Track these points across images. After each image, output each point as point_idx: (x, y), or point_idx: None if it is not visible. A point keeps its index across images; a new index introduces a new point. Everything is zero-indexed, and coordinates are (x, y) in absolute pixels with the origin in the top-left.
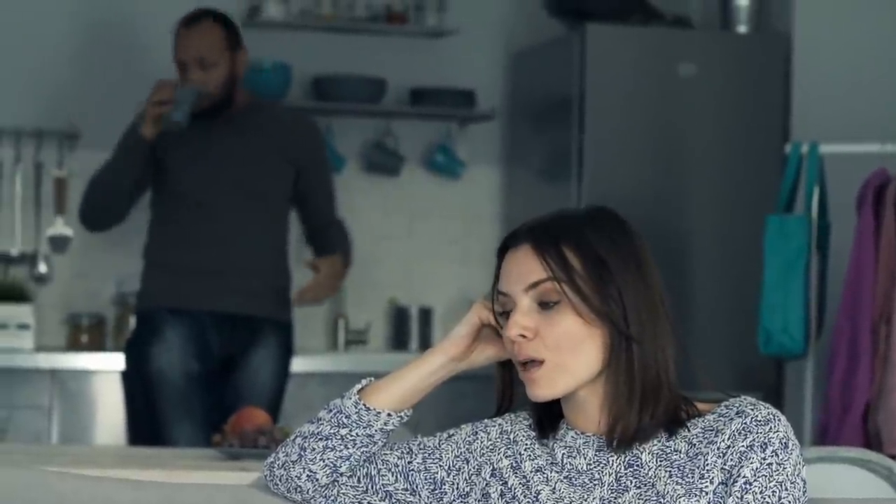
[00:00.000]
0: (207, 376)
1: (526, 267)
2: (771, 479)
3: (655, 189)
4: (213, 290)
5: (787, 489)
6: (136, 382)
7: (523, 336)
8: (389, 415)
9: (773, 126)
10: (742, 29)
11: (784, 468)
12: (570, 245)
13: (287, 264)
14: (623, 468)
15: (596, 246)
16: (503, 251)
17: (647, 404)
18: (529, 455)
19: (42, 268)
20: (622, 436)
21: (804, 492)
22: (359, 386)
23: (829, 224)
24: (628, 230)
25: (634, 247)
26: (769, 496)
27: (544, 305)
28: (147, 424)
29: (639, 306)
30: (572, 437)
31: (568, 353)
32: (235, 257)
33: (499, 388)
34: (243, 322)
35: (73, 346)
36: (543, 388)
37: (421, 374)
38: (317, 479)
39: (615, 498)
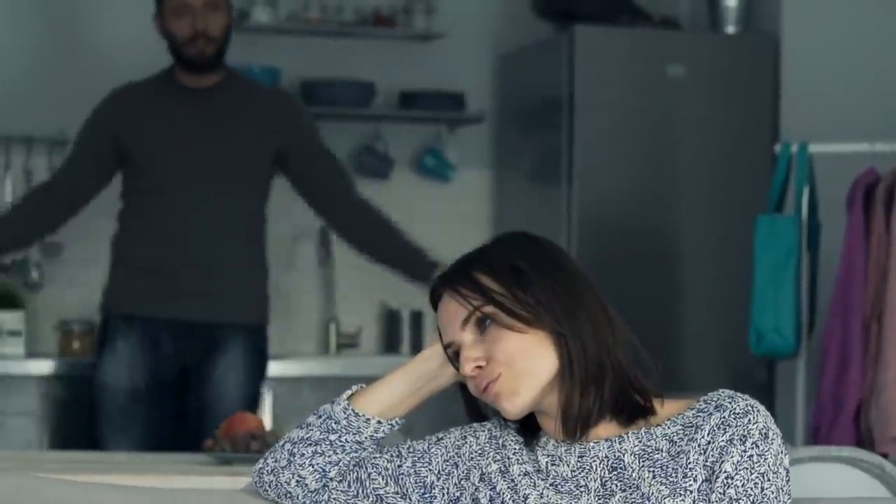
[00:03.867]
0: (161, 389)
1: (452, 310)
2: (752, 471)
3: (645, 190)
4: (170, 294)
5: (769, 479)
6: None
7: (479, 367)
8: (379, 422)
9: (762, 126)
10: (730, 30)
11: (765, 459)
12: (479, 269)
13: (263, 261)
14: (607, 472)
15: (504, 258)
16: (435, 308)
17: (590, 388)
18: (518, 459)
19: (34, 274)
20: (573, 421)
21: (787, 480)
22: (349, 392)
23: (820, 223)
24: (537, 239)
25: (546, 250)
26: (751, 489)
27: (482, 332)
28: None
29: (566, 302)
30: (553, 444)
31: (521, 361)
32: (198, 256)
33: (466, 406)
34: (203, 329)
35: (65, 352)
36: (509, 398)
37: (408, 380)
38: (306, 485)
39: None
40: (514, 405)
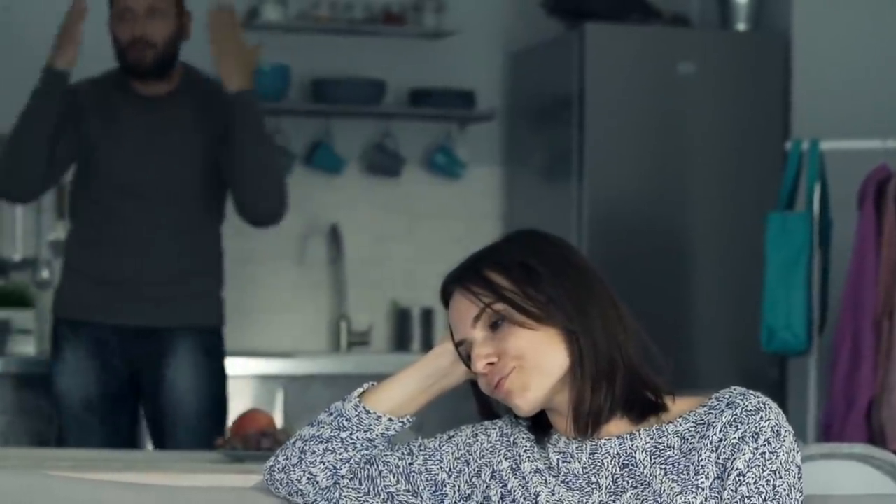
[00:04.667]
0: (114, 397)
1: (463, 308)
2: (764, 468)
3: (656, 187)
4: (115, 300)
5: (781, 477)
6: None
7: (490, 364)
8: (391, 420)
9: (773, 123)
10: (741, 27)
11: (777, 456)
12: (490, 267)
13: (217, 266)
14: (618, 469)
15: (515, 255)
16: (446, 307)
17: (601, 384)
18: (529, 457)
19: (44, 273)
20: (584, 418)
21: (799, 478)
22: (360, 389)
23: (831, 221)
24: (547, 237)
25: (556, 247)
26: (763, 486)
27: (493, 329)
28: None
29: (577, 299)
30: (564, 442)
31: (532, 357)
32: (142, 264)
33: (478, 404)
34: (149, 334)
35: None
36: (520, 394)
37: (419, 378)
38: (317, 482)
39: (613, 501)
40: (526, 401)
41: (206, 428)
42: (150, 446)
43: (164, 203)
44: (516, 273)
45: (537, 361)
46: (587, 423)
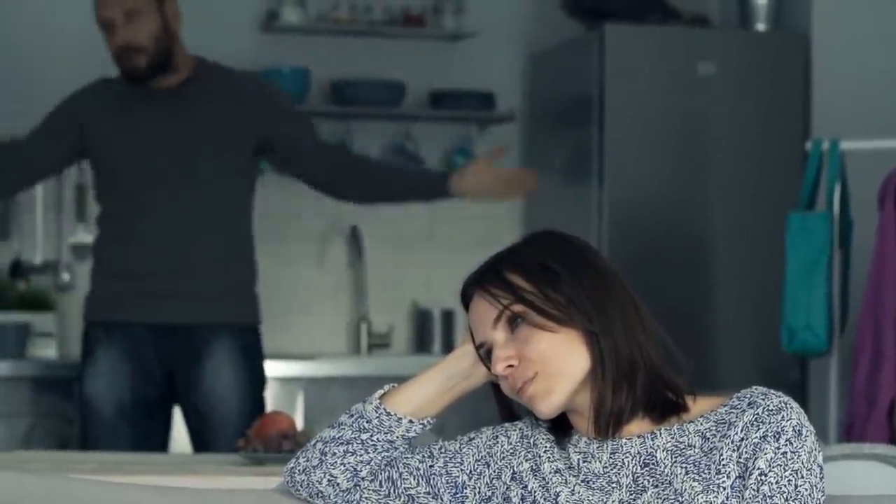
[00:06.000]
0: (149, 402)
1: (483, 309)
2: (786, 468)
3: (676, 188)
4: (147, 298)
5: (803, 476)
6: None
7: (510, 366)
8: (411, 421)
9: (793, 123)
10: (761, 27)
11: (799, 456)
12: (509, 268)
13: (250, 257)
14: (639, 468)
15: (534, 257)
16: (467, 310)
17: (622, 385)
18: (549, 457)
19: (65, 276)
20: (605, 418)
21: (821, 477)
22: (381, 391)
23: (852, 220)
24: (566, 238)
25: (576, 248)
26: (785, 486)
27: (513, 331)
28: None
29: (597, 300)
30: (586, 441)
31: (554, 360)
32: (175, 257)
33: (499, 406)
34: (185, 332)
35: None
36: (543, 399)
37: (440, 379)
38: (338, 484)
39: (634, 499)
40: (549, 405)
41: (245, 430)
42: (188, 448)
43: (189, 189)
44: (536, 274)
45: (559, 365)
46: (608, 424)
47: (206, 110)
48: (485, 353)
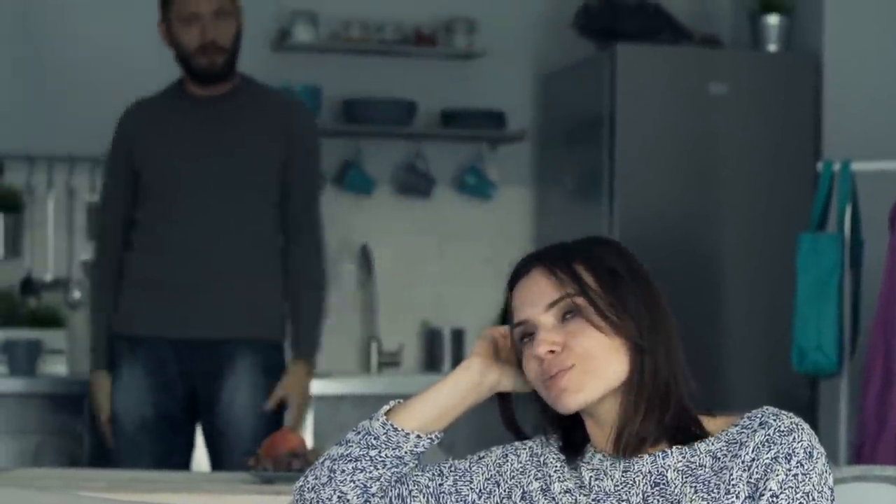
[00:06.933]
0: (172, 418)
1: (541, 288)
2: (797, 490)
3: (687, 208)
4: (171, 311)
5: (814, 499)
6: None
7: (552, 352)
8: (419, 437)
9: (804, 144)
10: (772, 48)
11: (810, 478)
12: (580, 261)
13: (275, 273)
14: (650, 487)
15: (606, 259)
16: (511, 286)
17: (654, 411)
18: (559, 477)
19: (75, 293)
20: (627, 439)
21: (832, 500)
22: (386, 407)
23: (862, 241)
24: (633, 254)
25: (640, 266)
26: None
27: (565, 321)
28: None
29: (651, 319)
30: (599, 459)
31: (596, 360)
32: (200, 270)
33: (503, 416)
34: (207, 347)
35: None
36: (572, 393)
37: (447, 392)
38: (347, 501)
39: None
40: (575, 401)
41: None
42: (206, 466)
43: (217, 201)
44: (604, 277)
45: (599, 366)
46: (629, 445)
47: (243, 120)
48: (520, 333)
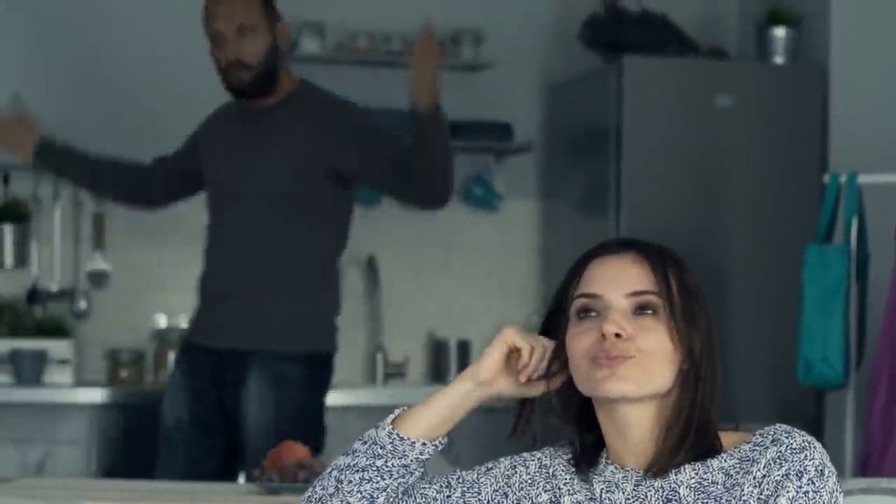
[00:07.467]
0: (205, 422)
1: (630, 274)
2: None
3: (693, 220)
4: (209, 321)
5: None
6: None
7: (618, 336)
8: (424, 444)
9: (811, 156)
10: (779, 60)
11: (821, 496)
12: (673, 270)
13: (313, 286)
14: (661, 502)
15: (691, 279)
16: (589, 258)
17: (690, 438)
18: (569, 490)
19: (81, 303)
20: (663, 464)
21: None
22: (392, 416)
23: (869, 254)
24: None
25: (704, 295)
26: None
27: (637, 315)
28: None
29: (711, 350)
30: (612, 471)
31: (654, 360)
32: (233, 281)
33: (518, 417)
34: (234, 358)
35: (113, 381)
36: (621, 380)
37: (451, 400)
38: None
39: None
40: (619, 390)
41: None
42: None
43: (257, 212)
44: (686, 290)
45: (654, 367)
46: (661, 469)
47: (291, 133)
48: (582, 305)
